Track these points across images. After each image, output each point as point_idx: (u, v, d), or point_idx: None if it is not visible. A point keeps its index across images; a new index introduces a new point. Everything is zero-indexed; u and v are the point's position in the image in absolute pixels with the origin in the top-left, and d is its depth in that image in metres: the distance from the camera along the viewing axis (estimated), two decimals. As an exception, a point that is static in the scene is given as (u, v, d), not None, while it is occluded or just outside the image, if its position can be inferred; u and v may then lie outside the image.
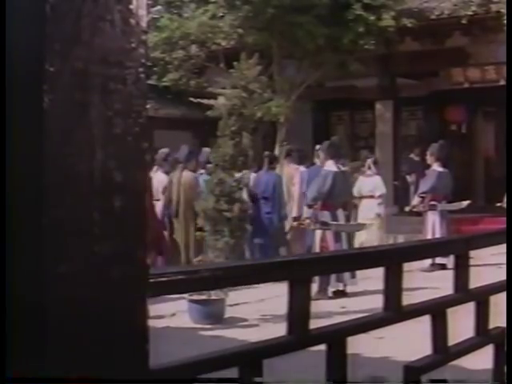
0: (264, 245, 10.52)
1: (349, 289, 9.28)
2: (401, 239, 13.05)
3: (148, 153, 1.09)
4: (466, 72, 17.21)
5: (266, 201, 10.77)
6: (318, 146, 11.73)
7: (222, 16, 16.68)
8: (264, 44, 15.66)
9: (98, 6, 1.01)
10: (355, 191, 11.79)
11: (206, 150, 11.20)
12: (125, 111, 1.04)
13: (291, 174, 12.04)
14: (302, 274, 1.81)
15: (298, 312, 1.76)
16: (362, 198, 12.08)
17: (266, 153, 11.83)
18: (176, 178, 10.37)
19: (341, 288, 9.29)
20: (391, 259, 2.13)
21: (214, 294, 7.66)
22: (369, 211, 11.97)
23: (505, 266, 2.37)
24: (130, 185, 1.05)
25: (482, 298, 2.47)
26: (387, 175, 14.86)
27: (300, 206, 10.99)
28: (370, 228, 11.38)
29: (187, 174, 10.47)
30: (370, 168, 12.28)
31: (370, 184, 12.22)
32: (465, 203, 12.96)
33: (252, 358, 1.66)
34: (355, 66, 15.92)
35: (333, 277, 8.94)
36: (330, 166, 9.69)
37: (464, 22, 15.24)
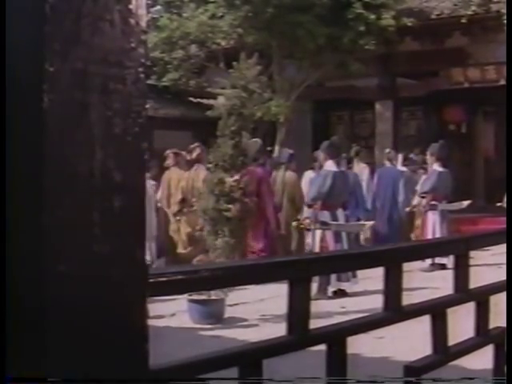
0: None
1: (349, 289, 9.28)
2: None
3: (147, 153, 1.09)
4: (466, 72, 17.20)
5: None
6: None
7: (222, 16, 16.68)
8: (264, 44, 15.66)
9: (97, 6, 1.01)
10: (419, 188, 12.86)
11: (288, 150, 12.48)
12: (124, 111, 1.04)
13: (360, 172, 13.63)
14: (301, 273, 1.81)
15: (298, 312, 1.76)
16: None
17: (344, 155, 12.94)
18: (280, 178, 11.51)
19: (342, 287, 9.28)
20: (391, 259, 2.13)
21: (214, 294, 7.65)
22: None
23: (505, 266, 2.37)
24: (130, 185, 1.05)
25: (481, 298, 2.47)
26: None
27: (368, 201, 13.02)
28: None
29: (290, 174, 11.60)
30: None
31: None
32: (465, 203, 12.95)
33: (252, 358, 1.66)
34: (355, 65, 15.92)
35: (333, 277, 8.94)
36: (330, 165, 9.69)
37: (464, 21, 15.24)
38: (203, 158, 10.58)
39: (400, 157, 14.03)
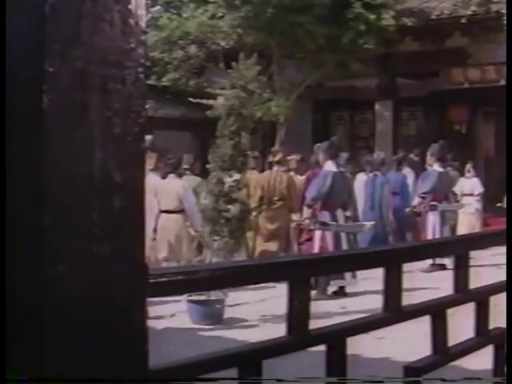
0: (397, 230, 13.17)
1: (349, 289, 9.27)
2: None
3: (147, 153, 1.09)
4: (466, 72, 17.21)
5: (395, 195, 13.27)
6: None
7: (222, 16, 16.68)
8: (263, 44, 15.66)
9: (97, 6, 1.01)
10: (457, 190, 14.15)
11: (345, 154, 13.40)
12: (124, 111, 1.04)
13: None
14: (301, 274, 1.81)
15: (298, 312, 1.76)
16: (463, 195, 14.46)
17: (395, 157, 14.18)
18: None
19: (342, 285, 9.27)
20: (391, 259, 2.13)
21: (214, 295, 7.65)
22: (469, 206, 14.15)
23: (505, 266, 2.36)
24: (130, 185, 1.05)
25: (481, 299, 2.47)
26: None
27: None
28: (470, 220, 14.20)
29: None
30: (469, 171, 14.83)
31: (470, 184, 14.62)
32: (465, 203, 12.95)
33: (252, 358, 1.66)
34: (355, 65, 15.93)
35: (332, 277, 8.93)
36: (330, 166, 9.68)
37: (464, 21, 15.25)
38: (284, 161, 11.77)
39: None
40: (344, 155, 13.03)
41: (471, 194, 14.57)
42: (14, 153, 0.96)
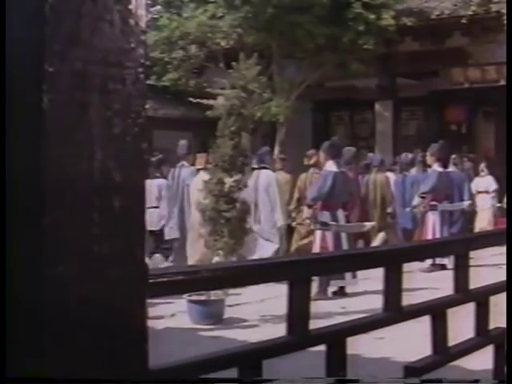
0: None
1: (349, 289, 9.27)
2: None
3: (147, 153, 1.09)
4: (466, 72, 17.21)
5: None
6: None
7: (222, 16, 16.69)
8: (263, 44, 15.66)
9: (97, 6, 1.00)
10: (472, 188, 14.66)
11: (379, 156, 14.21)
12: (124, 111, 1.04)
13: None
14: (302, 274, 1.81)
15: (298, 312, 1.76)
16: (478, 193, 15.19)
17: (419, 157, 14.22)
18: (372, 179, 13.13)
19: (342, 285, 9.27)
20: (391, 259, 2.13)
21: (214, 295, 7.64)
22: (484, 203, 15.15)
23: (505, 266, 2.36)
24: (130, 185, 1.05)
25: (482, 299, 2.47)
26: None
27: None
28: (486, 216, 15.19)
29: (381, 176, 13.20)
30: (483, 170, 15.68)
31: (485, 182, 15.44)
32: (466, 203, 12.95)
33: (252, 358, 1.66)
34: (355, 65, 15.93)
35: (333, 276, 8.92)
36: (331, 166, 9.68)
37: (464, 21, 15.26)
38: (319, 163, 12.12)
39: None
40: (377, 156, 13.90)
41: (486, 192, 15.33)
42: (14, 153, 0.96)
